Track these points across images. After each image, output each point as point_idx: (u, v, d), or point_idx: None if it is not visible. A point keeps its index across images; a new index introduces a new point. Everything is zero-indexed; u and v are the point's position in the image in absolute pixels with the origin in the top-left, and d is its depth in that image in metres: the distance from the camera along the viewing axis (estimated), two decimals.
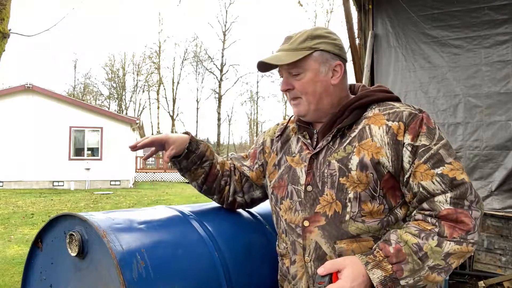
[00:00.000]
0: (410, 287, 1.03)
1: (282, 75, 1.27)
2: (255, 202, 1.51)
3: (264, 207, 1.63)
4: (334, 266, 1.05)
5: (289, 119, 1.44)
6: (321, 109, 1.25)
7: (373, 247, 1.09)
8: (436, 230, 1.05)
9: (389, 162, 1.12)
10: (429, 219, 1.08)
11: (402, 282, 1.02)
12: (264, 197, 1.50)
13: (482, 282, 3.73)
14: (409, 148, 1.12)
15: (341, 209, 1.15)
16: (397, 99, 1.27)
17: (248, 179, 1.47)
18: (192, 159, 1.40)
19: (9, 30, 3.86)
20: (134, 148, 1.36)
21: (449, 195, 1.07)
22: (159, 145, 1.38)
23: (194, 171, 1.42)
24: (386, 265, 1.03)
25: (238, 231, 1.44)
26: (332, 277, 1.04)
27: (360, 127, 1.20)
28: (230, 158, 1.55)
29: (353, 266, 1.04)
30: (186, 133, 1.44)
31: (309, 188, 1.21)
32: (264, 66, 1.25)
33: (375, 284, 1.02)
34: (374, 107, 1.23)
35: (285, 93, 1.28)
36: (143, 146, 1.35)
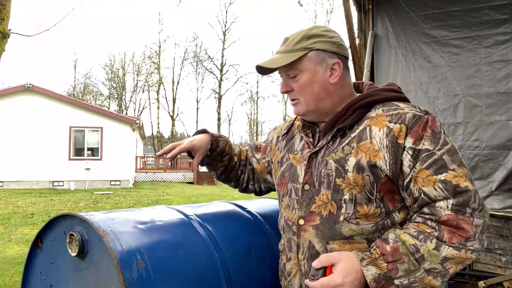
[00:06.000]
0: (404, 287, 1.02)
1: (280, 77, 1.27)
2: (264, 191, 1.60)
3: (264, 207, 1.63)
4: (328, 259, 1.05)
5: (296, 116, 1.43)
6: (321, 109, 1.24)
7: (371, 245, 1.08)
8: (436, 233, 1.03)
9: (386, 165, 1.10)
10: (429, 222, 1.06)
11: (397, 282, 1.01)
12: (273, 188, 1.56)
13: (482, 282, 3.73)
14: (410, 152, 1.09)
15: (336, 210, 1.14)
16: (405, 99, 1.23)
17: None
18: (213, 156, 1.50)
19: (9, 30, 3.86)
20: (162, 155, 1.45)
21: (451, 201, 1.04)
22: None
23: (214, 164, 1.53)
24: (382, 263, 1.02)
25: (238, 231, 1.43)
26: (326, 270, 1.04)
27: (361, 127, 1.17)
28: (249, 144, 1.62)
29: (347, 261, 1.03)
30: (204, 131, 1.51)
31: (307, 187, 1.20)
32: (262, 70, 1.26)
33: (368, 281, 1.01)
34: (378, 107, 1.19)
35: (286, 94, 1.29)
36: (172, 158, 1.43)
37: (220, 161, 1.52)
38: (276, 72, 1.29)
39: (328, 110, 1.24)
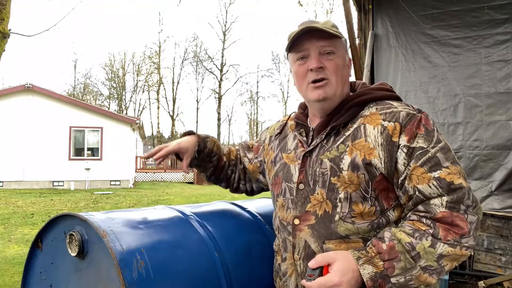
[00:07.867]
0: (401, 285, 1.02)
1: (307, 54, 1.19)
2: (255, 191, 1.58)
3: (264, 206, 1.63)
4: (324, 259, 1.04)
5: (289, 116, 1.44)
6: (340, 97, 1.22)
7: (367, 243, 1.08)
8: (431, 231, 1.03)
9: (381, 163, 1.10)
10: (424, 220, 1.06)
11: (393, 280, 1.01)
12: (265, 188, 1.55)
13: (482, 282, 3.73)
14: (405, 150, 1.09)
15: (331, 209, 1.13)
16: (397, 98, 1.24)
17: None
18: (201, 157, 1.49)
19: (9, 30, 3.86)
20: (148, 157, 1.44)
21: (445, 198, 1.04)
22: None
23: (203, 165, 1.52)
24: (378, 262, 1.02)
25: (238, 231, 1.43)
26: (323, 270, 1.03)
27: (355, 126, 1.17)
28: (240, 144, 1.61)
29: (344, 260, 1.03)
30: (191, 132, 1.51)
31: (301, 186, 1.20)
32: (298, 39, 1.17)
33: (365, 280, 1.01)
34: (371, 105, 1.20)
35: (309, 73, 1.19)
36: (159, 159, 1.42)
37: (209, 162, 1.51)
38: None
39: (339, 102, 1.22)
